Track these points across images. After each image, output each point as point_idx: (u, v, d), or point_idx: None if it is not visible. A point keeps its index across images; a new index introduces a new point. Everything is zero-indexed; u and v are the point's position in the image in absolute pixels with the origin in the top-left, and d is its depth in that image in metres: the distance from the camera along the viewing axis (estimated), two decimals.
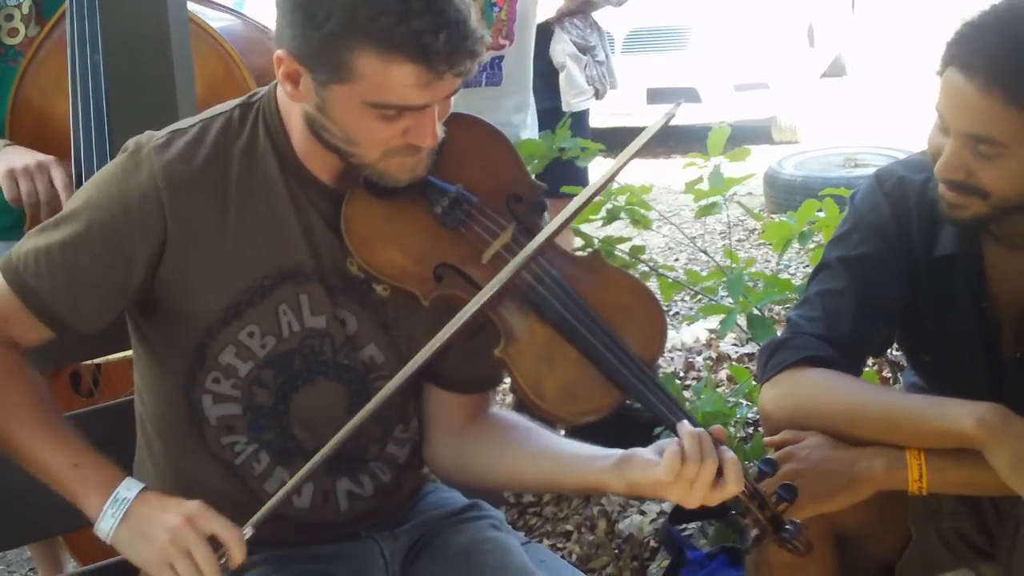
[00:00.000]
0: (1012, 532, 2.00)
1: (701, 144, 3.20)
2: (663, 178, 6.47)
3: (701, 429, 1.61)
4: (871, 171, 2.12)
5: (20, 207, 2.55)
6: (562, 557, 2.63)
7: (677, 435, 1.61)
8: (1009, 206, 1.85)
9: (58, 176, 2.51)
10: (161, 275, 1.71)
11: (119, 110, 2.44)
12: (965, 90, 1.78)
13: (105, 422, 2.01)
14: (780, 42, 8.74)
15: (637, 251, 3.35)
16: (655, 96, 8.41)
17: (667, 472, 1.58)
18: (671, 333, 4.64)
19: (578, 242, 3.31)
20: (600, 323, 1.68)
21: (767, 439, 1.95)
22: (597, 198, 3.05)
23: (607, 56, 4.39)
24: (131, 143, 1.73)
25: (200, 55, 2.54)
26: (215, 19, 2.78)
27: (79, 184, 2.51)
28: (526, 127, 3.72)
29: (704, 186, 3.21)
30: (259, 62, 2.67)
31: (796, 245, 3.11)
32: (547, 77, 4.13)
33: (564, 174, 3.45)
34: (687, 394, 3.62)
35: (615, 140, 3.69)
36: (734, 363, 4.29)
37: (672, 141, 7.92)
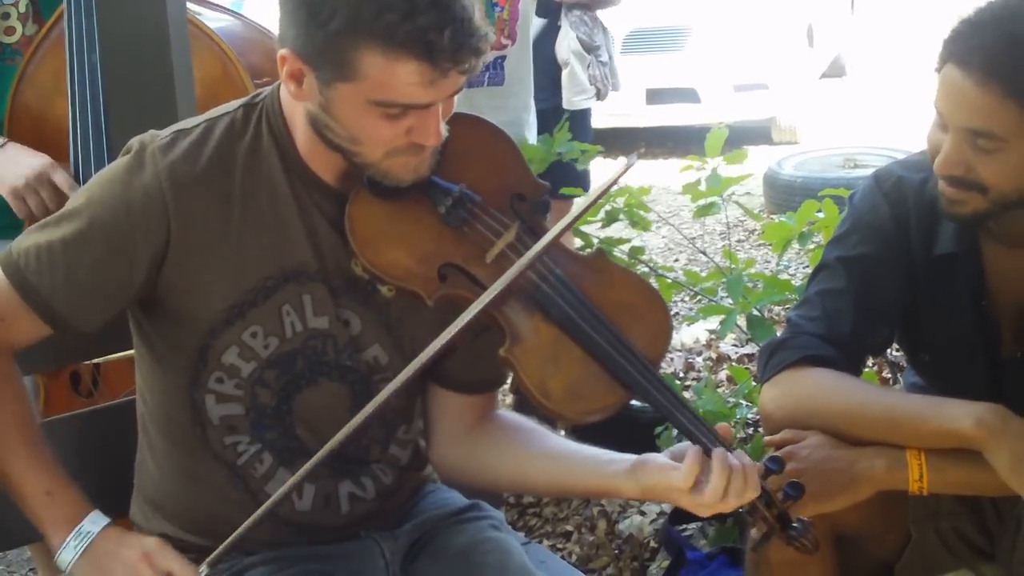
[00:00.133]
0: (1012, 532, 2.00)
1: (700, 145, 3.20)
2: (662, 179, 6.47)
3: (735, 463, 1.60)
4: (870, 172, 2.13)
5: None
6: (562, 557, 2.64)
7: (680, 432, 1.62)
8: (1008, 201, 1.85)
9: (60, 178, 2.51)
10: (164, 275, 1.70)
11: (117, 110, 2.44)
12: (963, 85, 1.78)
13: (105, 422, 2.01)
14: (779, 43, 8.74)
15: (636, 252, 3.35)
16: (654, 96, 8.40)
17: (690, 471, 1.58)
18: None
19: (577, 243, 3.31)
20: (605, 322, 1.68)
21: (767, 438, 1.95)
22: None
23: (611, 57, 4.38)
24: (134, 142, 1.73)
25: (197, 56, 2.54)
26: (213, 20, 2.78)
27: (79, 185, 2.52)
28: (528, 127, 3.72)
29: (702, 188, 3.21)
30: (257, 62, 2.67)
31: (796, 246, 3.11)
32: (549, 75, 4.12)
33: (564, 176, 3.45)
34: (687, 394, 3.62)
35: (614, 141, 3.70)
36: (734, 364, 4.29)
37: (671, 142, 7.94)
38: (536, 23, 4.03)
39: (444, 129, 1.65)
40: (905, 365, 2.43)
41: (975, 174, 1.83)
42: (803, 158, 7.19)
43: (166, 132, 1.74)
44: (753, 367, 3.85)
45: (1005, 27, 1.78)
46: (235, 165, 1.72)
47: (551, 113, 3.81)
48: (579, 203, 1.63)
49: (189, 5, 2.57)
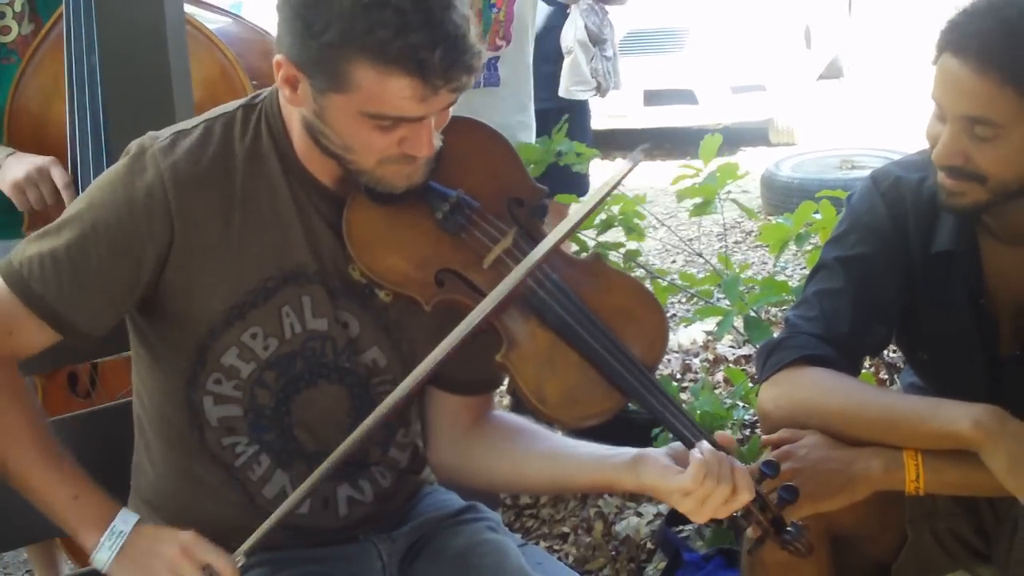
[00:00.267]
0: (1009, 534, 2.00)
1: (697, 146, 3.19)
2: (659, 180, 6.46)
3: (722, 453, 1.62)
4: (868, 173, 2.13)
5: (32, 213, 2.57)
6: (559, 559, 2.64)
7: (683, 441, 1.63)
8: (1009, 191, 1.85)
9: (58, 176, 2.53)
10: (166, 276, 1.70)
11: (115, 112, 2.44)
12: (960, 73, 1.79)
13: (103, 424, 2.01)
14: (777, 44, 8.75)
15: (632, 255, 3.35)
16: (652, 98, 8.41)
17: (693, 480, 1.59)
18: None
19: (573, 247, 3.31)
20: (601, 327, 1.68)
21: (764, 438, 1.95)
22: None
23: (615, 55, 4.36)
24: (134, 145, 1.73)
25: (197, 57, 2.54)
26: (211, 21, 2.78)
27: (76, 185, 2.52)
28: (524, 128, 3.71)
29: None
30: (256, 64, 2.68)
31: (793, 247, 3.11)
32: (554, 72, 4.10)
33: (562, 179, 3.44)
34: (684, 396, 3.63)
35: (612, 142, 3.69)
36: (731, 365, 4.30)
37: (668, 144, 7.93)
38: (543, 14, 4.01)
39: (438, 140, 1.65)
40: (902, 366, 2.43)
41: (974, 164, 1.83)
42: (800, 159, 7.20)
43: (165, 133, 1.74)
44: (750, 368, 3.86)
45: (1001, 14, 1.79)
46: (235, 166, 1.72)
47: (554, 114, 3.79)
48: (580, 204, 1.62)
49: (188, 7, 2.57)
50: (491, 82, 3.55)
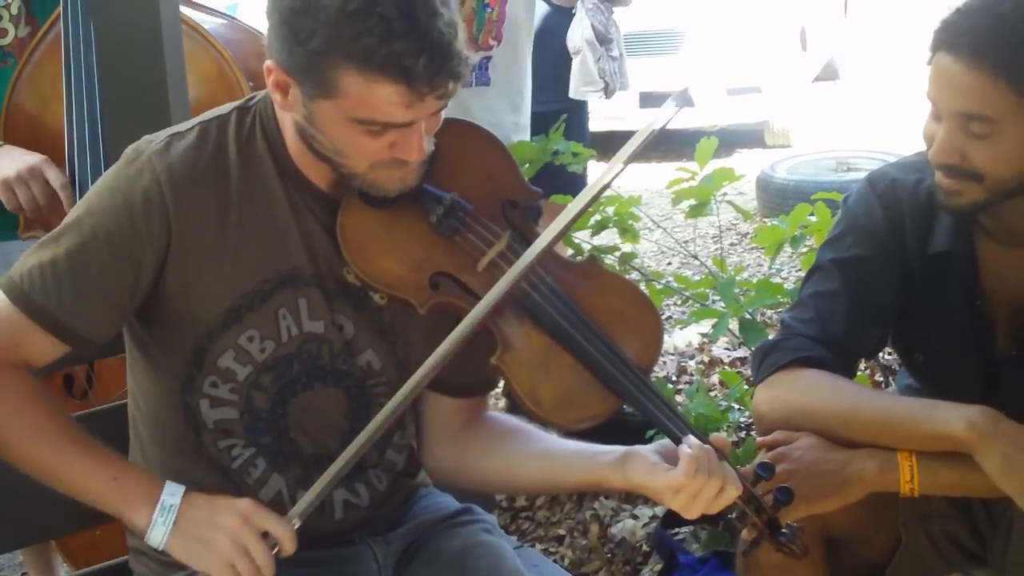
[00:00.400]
0: (1004, 536, 2.00)
1: (693, 148, 3.19)
2: (655, 182, 6.47)
3: (708, 447, 1.62)
4: (864, 175, 2.13)
5: (21, 214, 2.56)
6: (555, 561, 2.63)
7: (679, 445, 1.63)
8: (1006, 189, 1.86)
9: (53, 176, 2.52)
10: (164, 279, 1.70)
11: (112, 113, 2.44)
12: (953, 69, 1.80)
13: (98, 426, 2.00)
14: (773, 46, 8.76)
15: (628, 257, 3.35)
16: (648, 100, 8.41)
17: (686, 474, 1.59)
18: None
19: (568, 251, 3.31)
20: (596, 330, 1.68)
21: (760, 439, 1.96)
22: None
23: (621, 55, 4.34)
24: (129, 150, 1.73)
25: (193, 56, 2.54)
26: (207, 23, 2.78)
27: (73, 186, 2.52)
28: (518, 129, 3.70)
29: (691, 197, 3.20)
30: (252, 64, 2.68)
31: (788, 249, 3.11)
32: (556, 73, 4.09)
33: (558, 179, 3.44)
34: (679, 398, 3.62)
35: (608, 144, 3.68)
36: (726, 367, 4.29)
37: (664, 146, 7.93)
38: (539, 16, 4.00)
39: (429, 144, 1.65)
40: (897, 368, 2.43)
41: (970, 162, 1.84)
42: (796, 161, 7.21)
43: (161, 136, 1.74)
44: (746, 371, 3.86)
45: (994, 11, 1.80)
46: (231, 168, 1.72)
47: (554, 117, 3.78)
48: (581, 197, 1.62)
49: (183, 9, 2.57)
50: (482, 81, 3.54)
